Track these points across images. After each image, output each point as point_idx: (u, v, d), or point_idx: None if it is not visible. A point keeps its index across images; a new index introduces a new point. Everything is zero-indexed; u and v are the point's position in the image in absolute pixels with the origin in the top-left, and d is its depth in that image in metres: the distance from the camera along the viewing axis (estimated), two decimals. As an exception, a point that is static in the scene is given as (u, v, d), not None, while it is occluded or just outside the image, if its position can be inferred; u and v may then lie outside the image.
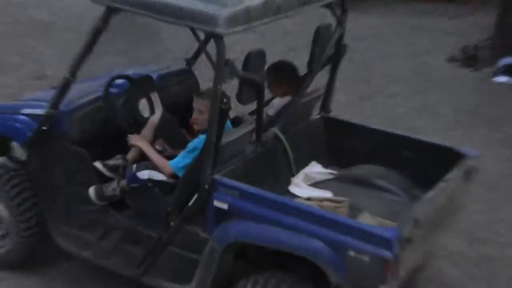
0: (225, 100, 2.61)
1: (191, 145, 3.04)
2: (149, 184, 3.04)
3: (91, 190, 3.20)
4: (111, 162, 3.32)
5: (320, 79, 5.63)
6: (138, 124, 3.48)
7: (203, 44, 3.16)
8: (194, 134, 3.36)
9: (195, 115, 3.13)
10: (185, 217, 2.89)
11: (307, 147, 3.54)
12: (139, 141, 3.26)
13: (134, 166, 3.13)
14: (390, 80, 6.81)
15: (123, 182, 3.18)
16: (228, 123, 3.13)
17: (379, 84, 6.72)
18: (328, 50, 3.39)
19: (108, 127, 3.43)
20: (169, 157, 3.16)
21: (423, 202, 2.81)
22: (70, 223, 3.33)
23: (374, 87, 6.65)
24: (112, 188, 3.20)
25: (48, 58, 6.89)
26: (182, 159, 3.01)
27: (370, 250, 2.41)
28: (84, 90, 3.61)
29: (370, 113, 5.91)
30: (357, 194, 3.14)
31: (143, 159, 3.25)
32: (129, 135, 3.29)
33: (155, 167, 3.10)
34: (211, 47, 2.77)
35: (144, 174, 3.07)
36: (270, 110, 3.48)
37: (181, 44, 6.46)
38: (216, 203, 2.75)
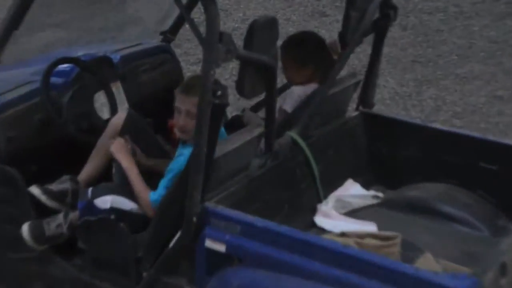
0: (219, 93, 2.64)
1: (175, 166, 3.05)
2: (112, 216, 3.09)
3: (25, 229, 3.25)
4: (54, 186, 3.38)
5: (358, 58, 5.65)
6: (93, 130, 3.55)
7: (186, 10, 3.21)
8: (175, 142, 3.41)
9: (181, 120, 3.09)
10: (163, 265, 2.93)
11: (340, 158, 3.59)
12: (120, 152, 3.23)
13: (90, 190, 3.19)
14: (463, 57, 6.88)
15: (73, 215, 3.24)
16: (223, 130, 3.18)
17: (446, 63, 6.80)
18: (370, 14, 3.45)
19: (49, 134, 3.50)
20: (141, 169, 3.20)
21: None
22: None
23: (438, 67, 6.73)
24: (57, 224, 3.26)
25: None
26: (166, 189, 3.04)
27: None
28: (12, 81, 3.69)
29: (433, 107, 5.99)
30: (413, 227, 3.17)
31: (104, 181, 3.31)
32: (112, 140, 3.31)
33: (124, 192, 3.15)
34: (198, 12, 2.81)
35: (105, 202, 3.12)
36: (286, 103, 3.52)
37: (154, 10, 6.53)
38: (209, 244, 2.78)
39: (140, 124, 3.47)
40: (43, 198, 3.30)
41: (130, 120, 3.42)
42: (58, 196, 3.35)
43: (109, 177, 3.37)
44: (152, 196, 3.08)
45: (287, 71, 3.58)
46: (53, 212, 3.32)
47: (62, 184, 3.38)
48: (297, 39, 3.64)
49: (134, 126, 3.41)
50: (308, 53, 3.52)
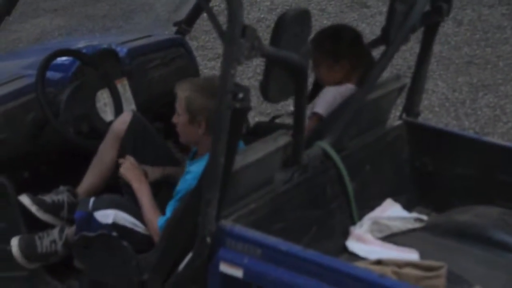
0: (240, 95, 2.66)
1: (183, 187, 3.12)
2: (114, 233, 3.16)
3: (15, 244, 3.33)
4: (48, 197, 3.44)
5: (403, 58, 5.65)
6: (95, 133, 3.61)
7: (204, -1, 3.28)
8: (188, 148, 3.47)
9: (189, 131, 3.20)
10: (171, 290, 3.00)
11: (379, 174, 3.63)
12: (131, 173, 3.31)
13: (92, 200, 3.24)
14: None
15: (70, 231, 3.30)
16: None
17: (507, 66, 6.80)
18: (419, 7, 3.46)
19: (43, 137, 3.57)
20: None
21: None
22: None
23: (498, 70, 6.73)
24: (50, 240, 3.33)
25: None
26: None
27: None
28: (2, 74, 3.75)
29: (490, 117, 6.00)
30: (462, 256, 3.19)
31: (105, 193, 3.38)
32: (120, 160, 3.36)
33: (130, 209, 3.22)
34: (219, 1, 2.82)
35: (107, 216, 3.19)
36: (319, 105, 3.56)
37: (167, -4, 6.59)
38: (224, 267, 2.82)
39: (147, 129, 3.52)
40: (33, 209, 3.37)
41: (135, 125, 3.47)
42: (52, 209, 3.41)
43: (111, 190, 3.43)
44: (160, 222, 3.16)
45: (317, 68, 3.62)
46: (46, 227, 3.38)
47: (57, 195, 3.43)
48: (330, 32, 3.69)
49: (140, 131, 3.46)
50: (342, 48, 3.56)
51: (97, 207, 3.20)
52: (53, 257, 3.33)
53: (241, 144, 3.22)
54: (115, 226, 3.17)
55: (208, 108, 3.10)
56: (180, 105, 3.18)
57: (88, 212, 3.19)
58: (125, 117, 3.52)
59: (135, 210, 3.23)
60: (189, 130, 3.21)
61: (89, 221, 3.18)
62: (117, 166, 3.42)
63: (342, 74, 3.57)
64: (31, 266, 3.33)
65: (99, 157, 3.52)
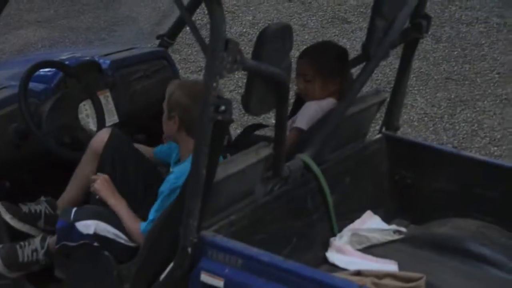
0: (222, 108, 2.68)
1: (165, 187, 3.14)
2: (95, 243, 3.16)
3: None
4: (26, 207, 3.43)
5: (383, 73, 5.68)
6: (77, 144, 3.61)
7: (187, 11, 3.28)
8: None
9: (167, 127, 3.28)
10: (152, 301, 2.99)
11: (358, 187, 3.65)
12: (106, 189, 3.30)
13: (73, 210, 3.23)
14: (505, 75, 6.93)
15: (52, 240, 3.30)
16: None
17: (485, 82, 6.86)
18: (399, 23, 3.49)
19: (25, 148, 3.56)
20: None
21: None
22: None
23: (476, 86, 6.79)
24: (32, 249, 3.32)
25: None
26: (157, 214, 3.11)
27: None
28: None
29: (468, 131, 6.04)
30: (440, 268, 3.21)
31: (85, 204, 3.37)
32: (93, 177, 3.35)
33: (111, 220, 3.21)
34: (201, 13, 2.82)
35: (88, 226, 3.18)
36: (300, 120, 3.57)
37: (150, 9, 6.59)
38: (205, 278, 2.82)
39: (126, 144, 3.51)
40: (7, 217, 3.37)
41: (113, 141, 3.45)
42: (27, 218, 3.40)
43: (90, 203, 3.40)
44: (143, 226, 3.16)
45: (308, 84, 3.60)
46: (29, 236, 3.37)
47: (36, 205, 3.43)
48: (321, 48, 3.73)
49: (118, 147, 3.44)
50: (336, 65, 3.59)
51: (78, 218, 3.19)
52: (35, 266, 3.32)
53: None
54: (96, 236, 3.16)
55: (183, 106, 3.16)
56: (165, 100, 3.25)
57: (70, 222, 3.18)
58: (103, 134, 3.50)
59: (116, 221, 3.23)
60: (166, 125, 3.28)
61: (71, 231, 3.17)
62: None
63: (332, 90, 3.58)
64: (12, 275, 3.32)
65: (78, 173, 3.51)
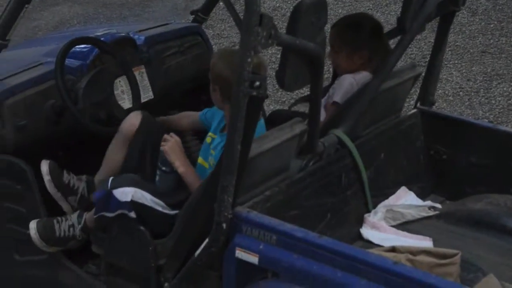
0: (257, 84, 2.66)
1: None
2: (132, 212, 3.15)
3: (33, 226, 3.34)
4: (67, 178, 3.43)
5: (418, 47, 5.62)
6: (112, 120, 3.62)
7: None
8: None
9: (213, 97, 3.24)
10: (187, 275, 3.00)
11: (393, 163, 3.63)
12: (177, 155, 3.26)
13: (110, 179, 3.22)
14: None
15: (89, 215, 3.32)
16: (262, 122, 3.25)
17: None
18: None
19: (62, 124, 3.58)
20: None
21: None
22: None
23: (512, 60, 6.70)
24: (69, 224, 3.34)
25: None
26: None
27: None
28: (22, 62, 3.77)
29: (504, 106, 5.97)
30: (476, 244, 3.19)
31: None
32: (165, 136, 3.34)
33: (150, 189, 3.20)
34: None
35: (126, 193, 3.15)
36: (336, 94, 3.55)
37: (184, -15, 6.59)
38: (240, 254, 2.83)
39: (157, 130, 3.49)
40: (46, 178, 3.36)
41: (145, 126, 3.45)
42: (64, 189, 3.40)
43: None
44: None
45: (336, 56, 3.60)
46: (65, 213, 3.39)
47: (77, 181, 3.44)
48: (351, 20, 3.70)
49: (149, 133, 3.44)
50: (363, 37, 3.55)
51: (116, 185, 3.18)
52: (72, 241, 3.34)
53: (264, 128, 3.24)
54: (133, 204, 3.15)
55: (223, 78, 3.13)
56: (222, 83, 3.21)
57: (107, 190, 3.18)
58: (134, 119, 3.49)
59: (153, 188, 3.23)
60: (213, 96, 3.26)
61: (108, 200, 3.17)
62: (126, 164, 3.42)
63: (360, 63, 3.56)
64: (50, 249, 3.35)
65: (108, 157, 3.51)
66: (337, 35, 3.57)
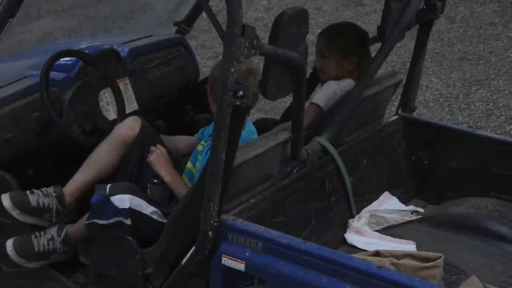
0: (240, 93, 2.66)
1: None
2: (128, 220, 3.12)
3: (9, 244, 3.31)
4: (34, 198, 3.31)
5: (398, 54, 5.65)
6: (97, 132, 3.61)
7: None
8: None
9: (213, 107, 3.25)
10: (174, 283, 2.99)
11: (376, 168, 3.64)
12: (163, 165, 3.25)
13: (108, 186, 3.19)
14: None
15: (73, 227, 3.30)
16: (253, 128, 3.26)
17: (499, 61, 6.81)
18: (414, 5, 3.48)
19: (48, 136, 3.57)
20: None
21: None
22: None
23: (490, 65, 6.74)
24: (48, 238, 3.30)
25: None
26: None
27: None
28: (7, 75, 3.75)
29: (483, 111, 6.00)
30: (458, 247, 3.21)
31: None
32: (151, 148, 3.32)
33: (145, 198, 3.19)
34: (217, 0, 2.83)
35: (123, 200, 3.14)
36: (318, 97, 3.57)
37: (166, -3, 6.57)
38: (226, 261, 2.84)
39: (154, 135, 3.49)
40: (15, 213, 3.29)
41: (145, 133, 3.41)
42: (35, 212, 3.31)
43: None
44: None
45: (324, 62, 3.62)
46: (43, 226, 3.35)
47: (45, 197, 3.34)
48: (341, 28, 3.73)
49: (148, 139, 3.41)
50: (352, 44, 3.59)
51: (114, 192, 3.16)
52: (54, 255, 3.31)
53: (255, 134, 3.24)
54: (131, 211, 3.14)
55: (217, 82, 3.05)
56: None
57: (105, 195, 3.15)
58: (132, 123, 3.43)
59: (148, 198, 3.23)
60: (212, 106, 3.30)
61: (104, 206, 3.14)
62: (117, 168, 3.39)
63: (349, 70, 3.59)
64: (31, 265, 3.32)
65: (95, 158, 3.41)
66: (327, 42, 3.60)
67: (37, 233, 3.33)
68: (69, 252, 3.36)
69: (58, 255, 3.34)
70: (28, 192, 3.33)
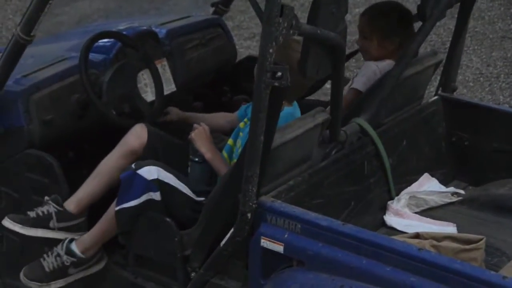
0: (279, 74, 2.65)
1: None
2: (157, 195, 3.12)
3: (22, 276, 3.32)
4: (32, 212, 3.34)
5: (438, 34, 5.58)
6: (136, 113, 3.62)
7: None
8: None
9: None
10: (213, 265, 3.01)
11: (415, 150, 3.62)
12: (204, 142, 3.24)
13: (133, 164, 3.19)
14: None
15: (82, 237, 3.31)
16: (296, 109, 3.23)
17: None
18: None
19: (87, 117, 3.60)
20: None
21: None
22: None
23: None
24: (55, 255, 3.30)
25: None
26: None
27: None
28: (46, 57, 3.79)
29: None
30: (500, 230, 3.18)
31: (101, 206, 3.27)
32: (194, 125, 3.32)
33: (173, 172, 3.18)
34: None
35: (151, 172, 3.14)
36: (357, 81, 3.56)
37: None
38: (265, 243, 2.84)
39: (163, 139, 3.44)
40: (17, 228, 3.32)
41: (153, 140, 3.38)
42: (39, 223, 3.34)
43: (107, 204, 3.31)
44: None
45: (366, 42, 3.60)
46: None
47: (42, 207, 3.37)
48: (381, 8, 3.68)
49: (158, 145, 3.39)
50: (393, 24, 3.56)
51: (140, 166, 3.18)
52: (71, 269, 3.32)
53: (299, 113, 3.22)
54: (159, 182, 3.16)
55: None
56: None
57: (132, 170, 3.17)
58: (139, 132, 3.39)
59: (176, 173, 3.23)
60: None
61: (133, 181, 3.15)
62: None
63: (390, 50, 3.56)
64: (50, 284, 3.34)
65: (105, 168, 3.36)
66: (368, 22, 3.58)
67: (45, 255, 3.35)
68: (88, 263, 3.36)
69: (77, 269, 3.35)
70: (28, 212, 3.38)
